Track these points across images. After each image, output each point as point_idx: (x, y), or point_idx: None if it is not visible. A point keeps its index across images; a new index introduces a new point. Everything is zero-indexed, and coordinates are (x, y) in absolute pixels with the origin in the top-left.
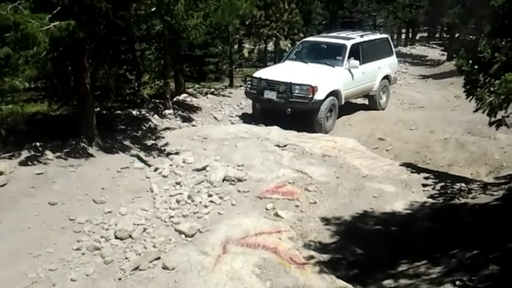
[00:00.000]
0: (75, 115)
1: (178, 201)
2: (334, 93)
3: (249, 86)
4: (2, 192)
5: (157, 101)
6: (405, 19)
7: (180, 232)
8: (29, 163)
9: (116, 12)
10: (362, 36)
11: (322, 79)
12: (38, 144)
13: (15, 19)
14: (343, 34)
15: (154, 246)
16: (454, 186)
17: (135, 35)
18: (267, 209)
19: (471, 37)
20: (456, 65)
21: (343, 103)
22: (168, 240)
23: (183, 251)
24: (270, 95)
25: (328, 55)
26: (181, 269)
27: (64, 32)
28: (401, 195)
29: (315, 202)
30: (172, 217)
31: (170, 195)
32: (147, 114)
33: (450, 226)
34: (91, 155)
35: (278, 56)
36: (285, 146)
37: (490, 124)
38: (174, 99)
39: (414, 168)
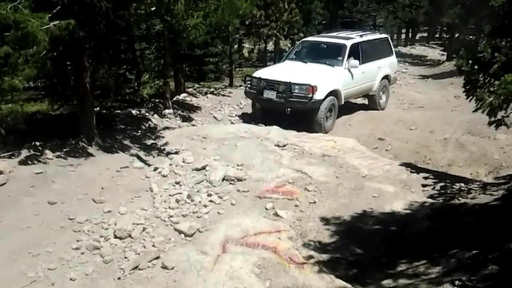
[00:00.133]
0: (75, 114)
1: (177, 201)
2: (334, 93)
3: (248, 85)
4: (1, 191)
5: (157, 100)
6: (405, 19)
7: (180, 232)
8: (29, 162)
9: (116, 11)
10: (361, 36)
11: (322, 79)
12: (37, 143)
13: (15, 18)
14: (343, 34)
15: (153, 246)
16: (453, 186)
17: (135, 35)
18: (266, 208)
19: (471, 37)
20: (456, 65)
21: (342, 103)
22: (168, 239)
23: (183, 251)
24: (269, 94)
25: (328, 55)
26: (180, 268)
27: (64, 32)
28: (400, 195)
29: (314, 202)
30: (171, 216)
31: (170, 195)
32: (146, 114)
33: (449, 226)
34: (91, 155)
35: (278, 56)
36: (284, 146)
37: (490, 123)
38: (174, 99)
39: (413, 168)
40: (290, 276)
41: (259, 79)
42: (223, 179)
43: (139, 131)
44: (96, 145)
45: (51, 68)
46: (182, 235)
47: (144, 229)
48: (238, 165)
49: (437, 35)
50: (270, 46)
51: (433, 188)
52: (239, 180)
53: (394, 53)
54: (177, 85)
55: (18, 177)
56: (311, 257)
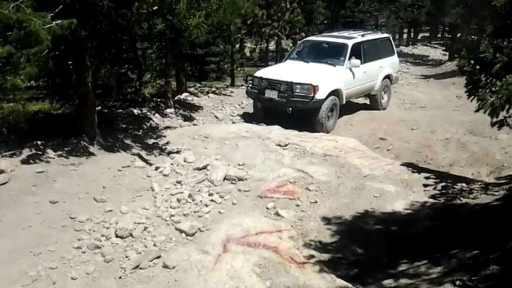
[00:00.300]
0: (77, 113)
1: (178, 200)
2: (335, 93)
3: (250, 85)
4: (3, 190)
5: (159, 100)
6: (407, 19)
7: (181, 231)
8: (31, 161)
9: (118, 10)
10: (363, 35)
11: (323, 78)
12: (39, 142)
13: (17, 17)
14: (345, 33)
15: (154, 245)
16: (455, 186)
17: (136, 34)
18: (267, 208)
19: (473, 37)
20: (458, 65)
21: (344, 102)
22: (169, 239)
23: (184, 250)
24: (271, 94)
25: (330, 54)
26: (181, 268)
27: (66, 31)
28: (402, 195)
29: (316, 202)
30: (172, 216)
31: (171, 194)
32: (148, 113)
33: (450, 226)
34: (92, 154)
35: (279, 56)
36: (286, 145)
37: (492, 124)
38: (175, 98)
39: (415, 168)
40: (291, 275)
41: (261, 78)
42: (224, 179)
43: (141, 130)
44: (97, 144)
45: (53, 67)
46: (183, 235)
47: (145, 228)
48: (239, 165)
49: (439, 35)
50: (272, 46)
51: (435, 188)
52: (240, 179)
53: (396, 52)
54: (178, 85)
55: (20, 176)
56: (312, 256)
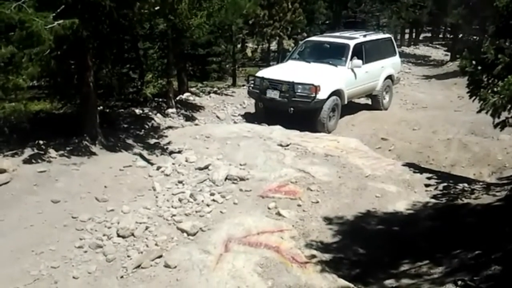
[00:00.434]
0: (78, 113)
1: (180, 200)
2: (337, 93)
3: (252, 85)
4: (5, 189)
5: (160, 100)
6: (408, 19)
7: (182, 231)
8: (32, 161)
9: (119, 10)
10: (365, 36)
11: (325, 78)
12: (41, 142)
13: (19, 18)
14: (346, 33)
15: (156, 245)
16: (456, 187)
17: (138, 34)
18: (269, 208)
19: (474, 37)
20: (460, 65)
21: (345, 102)
22: (170, 238)
23: (185, 250)
24: (272, 94)
25: (331, 54)
26: (183, 267)
27: (68, 31)
28: (403, 195)
29: (317, 202)
30: (174, 215)
31: (173, 194)
32: (150, 113)
33: (452, 226)
34: (94, 154)
35: (281, 56)
36: (287, 145)
37: (495, 125)
38: (177, 98)
39: (416, 168)
40: (292, 275)
41: (262, 78)
42: (226, 179)
43: (142, 130)
44: (99, 144)
45: (55, 67)
46: (185, 234)
47: (147, 228)
48: (241, 165)
49: (440, 36)
50: (274, 46)
51: (436, 188)
52: (242, 179)
53: (397, 53)
54: (180, 85)
55: (22, 176)
56: (313, 256)
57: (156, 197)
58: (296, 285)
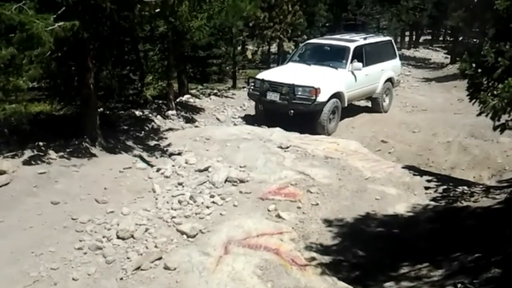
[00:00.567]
0: (79, 115)
1: (180, 202)
2: (337, 95)
3: (252, 87)
4: (5, 191)
5: (160, 101)
6: (408, 21)
7: (182, 233)
8: (32, 162)
9: (120, 12)
10: (365, 38)
11: (325, 81)
12: (41, 143)
13: (20, 19)
14: (347, 36)
15: (155, 246)
16: (456, 189)
17: (139, 36)
18: (269, 210)
19: (474, 40)
20: (460, 68)
21: (346, 105)
22: (170, 240)
23: (185, 252)
24: (273, 96)
25: (331, 57)
26: (182, 269)
27: (69, 33)
28: (403, 197)
29: (317, 204)
30: (174, 217)
31: (172, 196)
32: (150, 115)
33: (452, 229)
34: (94, 155)
35: (281, 58)
36: (287, 147)
37: (495, 128)
38: (177, 100)
39: (416, 170)
40: (292, 278)
41: (262, 81)
42: (226, 181)
43: (142, 132)
44: (99, 145)
45: (55, 68)
46: (185, 236)
47: (146, 229)
48: (240, 167)
49: (441, 38)
50: (274, 48)
51: (436, 191)
52: (242, 181)
53: (397, 55)
54: (180, 87)
55: (21, 177)
56: (313, 259)
57: (156, 199)
58: None
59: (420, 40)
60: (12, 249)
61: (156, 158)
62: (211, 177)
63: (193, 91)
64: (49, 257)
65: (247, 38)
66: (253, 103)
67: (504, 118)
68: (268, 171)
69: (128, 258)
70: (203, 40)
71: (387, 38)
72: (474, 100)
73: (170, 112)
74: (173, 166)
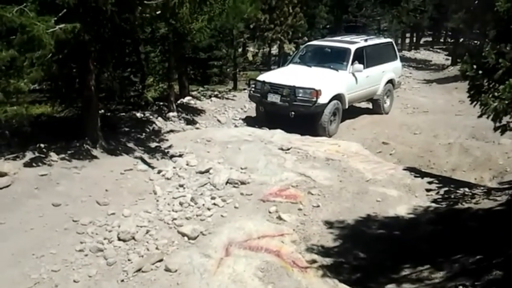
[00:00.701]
0: (80, 117)
1: (181, 204)
2: (338, 97)
3: (253, 89)
4: (6, 193)
5: (161, 103)
6: (409, 23)
7: (183, 235)
8: (33, 164)
9: (121, 15)
10: (366, 40)
11: (326, 83)
12: (42, 145)
13: (21, 22)
14: (347, 38)
15: (157, 248)
16: (457, 191)
17: (139, 38)
18: (270, 212)
19: (475, 42)
20: (460, 70)
21: (346, 107)
22: (171, 242)
23: (186, 254)
24: (273, 98)
25: (332, 59)
26: (183, 271)
27: (70, 35)
28: (404, 199)
29: (318, 206)
30: (175, 219)
31: (173, 198)
32: (151, 117)
33: (453, 231)
34: (95, 157)
35: (282, 60)
36: (288, 149)
37: (495, 129)
38: (178, 102)
39: (417, 172)
40: (293, 280)
41: (263, 82)
42: (227, 182)
43: (143, 133)
44: (100, 147)
45: (57, 71)
46: (186, 238)
47: (147, 231)
48: (241, 168)
49: (441, 40)
50: (275, 50)
51: (437, 193)
52: (243, 183)
53: (398, 57)
54: (181, 88)
55: (23, 179)
56: (314, 261)
57: (157, 200)
58: None
59: (421, 42)
60: (13, 251)
61: (157, 160)
62: (212, 179)
63: (194, 93)
64: (50, 259)
65: (247, 40)
66: (254, 105)
67: (505, 119)
68: (269, 173)
69: (129, 260)
70: (204, 42)
71: (388, 39)
72: (475, 102)
73: (171, 114)
74: (174, 168)
